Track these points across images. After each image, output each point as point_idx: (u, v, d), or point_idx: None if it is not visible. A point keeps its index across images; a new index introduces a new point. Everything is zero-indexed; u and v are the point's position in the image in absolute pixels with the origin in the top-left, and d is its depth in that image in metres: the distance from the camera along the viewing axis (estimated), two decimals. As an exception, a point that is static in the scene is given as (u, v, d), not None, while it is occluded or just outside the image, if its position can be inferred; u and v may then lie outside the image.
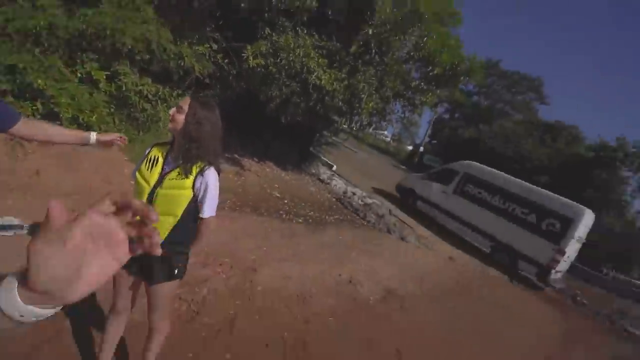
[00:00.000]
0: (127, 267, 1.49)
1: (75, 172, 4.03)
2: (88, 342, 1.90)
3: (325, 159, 11.03)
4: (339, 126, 7.65)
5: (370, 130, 8.70)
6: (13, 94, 4.37)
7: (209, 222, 1.51)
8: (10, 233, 2.50)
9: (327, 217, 6.57)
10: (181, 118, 1.40)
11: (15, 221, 2.58)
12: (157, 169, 1.45)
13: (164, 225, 1.43)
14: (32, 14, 4.66)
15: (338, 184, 9.23)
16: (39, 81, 4.25)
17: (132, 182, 1.55)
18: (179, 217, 1.45)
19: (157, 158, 1.48)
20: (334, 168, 10.89)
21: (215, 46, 5.82)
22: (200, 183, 1.43)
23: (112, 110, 5.38)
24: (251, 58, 5.81)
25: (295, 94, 6.48)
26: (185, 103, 1.42)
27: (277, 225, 4.98)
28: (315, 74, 5.83)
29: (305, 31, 6.11)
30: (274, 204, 5.95)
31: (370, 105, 6.16)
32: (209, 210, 1.48)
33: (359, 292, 3.80)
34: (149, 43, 5.43)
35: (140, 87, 5.45)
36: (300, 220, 5.67)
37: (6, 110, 1.24)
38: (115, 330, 1.60)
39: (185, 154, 1.41)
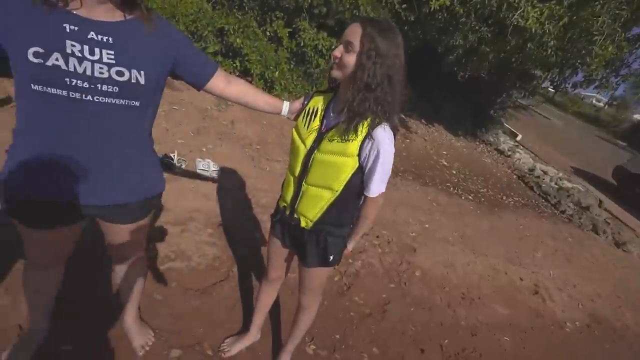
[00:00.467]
0: (281, 238, 1.32)
1: (258, 125, 4.47)
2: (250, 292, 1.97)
3: (508, 125, 8.98)
4: (540, 84, 5.79)
5: (584, 89, 6.23)
6: (222, 53, 5.16)
7: (376, 201, 1.12)
8: (207, 174, 2.91)
9: (504, 197, 5.32)
10: (351, 59, 0.99)
11: (211, 165, 2.99)
12: (315, 125, 1.12)
13: (319, 201, 1.13)
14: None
15: (523, 157, 7.37)
16: (238, 40, 4.80)
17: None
18: (338, 193, 1.10)
19: (317, 110, 1.15)
20: (519, 138, 8.76)
21: (394, -13, 5.15)
22: (370, 148, 1.02)
23: (292, 66, 5.71)
24: (434, -1, 4.86)
25: (485, 42, 5.17)
26: (355, 35, 0.98)
27: (443, 199, 4.29)
28: (520, 10, 4.37)
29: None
30: (441, 174, 5.20)
31: (609, 50, 4.18)
32: (378, 185, 1.07)
33: (548, 309, 2.82)
34: (327, -5, 5.30)
35: (316, 42, 5.50)
36: (471, 197, 4.75)
37: (205, 62, 1.12)
38: (267, 298, 1.52)
39: (356, 106, 1.00)
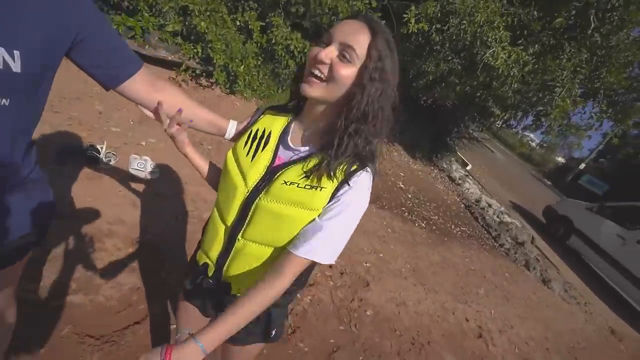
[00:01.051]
0: (201, 305, 0.96)
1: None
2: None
3: (460, 154, 9.43)
4: (496, 121, 6.09)
5: (521, 129, 6.70)
6: (182, 34, 4.61)
7: (300, 265, 0.73)
8: (142, 176, 2.44)
9: (452, 226, 5.44)
10: (348, 73, 0.69)
11: (149, 165, 2.52)
12: (265, 156, 0.79)
13: (258, 258, 0.80)
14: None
15: (471, 188, 7.73)
16: (202, 24, 4.31)
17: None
18: (285, 249, 0.77)
19: (268, 134, 0.82)
20: (469, 167, 9.23)
21: (375, 3, 5.03)
22: (340, 197, 0.72)
23: (259, 62, 5.31)
24: (413, 21, 4.83)
25: (455, 73, 5.27)
26: (360, 40, 0.68)
27: (398, 225, 4.21)
28: (491, 50, 4.49)
29: (491, -8, 4.71)
30: (397, 197, 5.15)
31: (567, 102, 4.46)
32: (325, 249, 0.72)
33: (491, 355, 2.80)
34: (306, -6, 5.03)
35: (289, 42, 5.18)
36: (424, 225, 4.75)
37: (122, 54, 0.76)
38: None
39: (346, 141, 0.70)
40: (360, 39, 0.68)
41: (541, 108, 5.01)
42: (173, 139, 0.89)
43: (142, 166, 2.47)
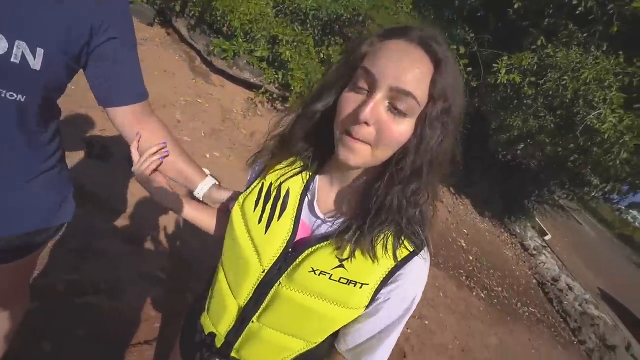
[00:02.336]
0: None
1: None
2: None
3: (539, 221, 8.29)
4: (593, 192, 5.20)
5: (625, 206, 5.51)
6: (268, 60, 4.92)
7: None
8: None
9: (519, 305, 4.64)
10: (404, 131, 0.48)
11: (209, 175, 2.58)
12: (284, 227, 0.59)
13: (281, 352, 0.64)
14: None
15: (548, 262, 6.64)
16: (287, 52, 4.54)
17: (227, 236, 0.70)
18: (317, 344, 0.62)
19: (286, 193, 0.61)
20: (548, 237, 8.02)
21: (463, 49, 4.82)
22: (389, 299, 0.55)
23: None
24: (503, 71, 4.48)
25: (546, 132, 4.68)
26: (419, 79, 0.46)
27: (452, 290, 3.70)
28: (598, 111, 3.89)
29: (604, 48, 4.17)
30: (456, 257, 4.60)
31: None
32: (383, 356, 0.60)
33: None
34: (393, 33, 5.05)
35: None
36: (483, 295, 4.12)
37: (129, 77, 0.72)
38: None
39: (385, 207, 0.51)
40: (418, 76, 0.46)
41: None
42: (144, 184, 0.77)
43: (199, 178, 2.54)
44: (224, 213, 0.79)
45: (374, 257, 0.53)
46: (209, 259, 2.06)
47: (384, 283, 0.54)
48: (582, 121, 3.97)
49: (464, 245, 5.11)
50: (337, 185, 0.59)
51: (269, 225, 0.59)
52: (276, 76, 4.80)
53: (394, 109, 0.47)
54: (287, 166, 0.63)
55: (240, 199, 0.65)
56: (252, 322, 0.63)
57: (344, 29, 5.51)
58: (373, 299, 0.55)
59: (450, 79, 0.47)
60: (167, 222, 2.10)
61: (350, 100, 0.49)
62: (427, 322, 2.82)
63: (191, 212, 0.79)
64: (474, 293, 4.03)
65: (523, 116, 4.53)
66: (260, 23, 4.60)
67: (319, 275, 0.54)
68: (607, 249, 13.98)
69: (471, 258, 4.92)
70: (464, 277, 4.23)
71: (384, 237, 0.53)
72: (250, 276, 0.61)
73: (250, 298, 0.62)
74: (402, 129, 0.48)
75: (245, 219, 0.62)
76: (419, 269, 0.55)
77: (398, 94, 0.46)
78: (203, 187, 0.80)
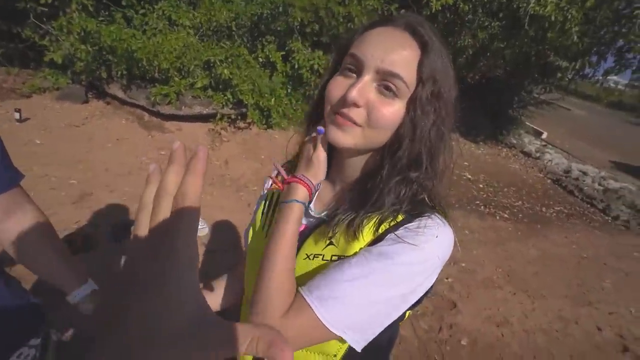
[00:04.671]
0: None
1: (255, 162, 4.03)
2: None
3: (530, 124, 8.27)
4: (565, 76, 5.16)
5: (601, 75, 5.49)
6: (211, 87, 4.82)
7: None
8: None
9: (544, 209, 4.62)
10: (394, 111, 0.48)
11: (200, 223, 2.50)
12: None
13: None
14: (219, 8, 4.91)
15: (554, 158, 6.64)
16: (225, 71, 4.44)
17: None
18: (339, 357, 0.55)
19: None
20: (544, 135, 8.02)
21: (388, -5, 4.73)
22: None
23: (289, 90, 5.33)
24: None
25: (497, 38, 4.63)
26: (406, 61, 0.46)
27: (475, 223, 3.66)
28: (537, -2, 3.83)
29: None
30: (467, 190, 4.57)
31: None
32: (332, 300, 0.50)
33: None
34: (316, 11, 4.94)
35: (312, 62, 5.10)
36: (507, 215, 4.10)
37: None
38: None
39: (375, 198, 0.52)
40: (405, 58, 0.46)
41: (622, 43, 4.10)
42: None
43: (189, 226, 2.47)
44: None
45: (359, 232, 0.51)
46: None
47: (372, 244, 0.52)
48: (525, 13, 3.91)
49: (470, 176, 5.08)
50: (334, 185, 0.60)
51: (268, 225, 0.63)
52: (225, 98, 4.70)
53: (383, 90, 0.47)
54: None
55: (256, 216, 0.68)
56: None
57: (270, 25, 5.40)
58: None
59: (439, 62, 0.47)
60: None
61: (338, 83, 0.49)
62: (463, 264, 2.79)
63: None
64: (497, 217, 4.01)
65: (470, 33, 4.47)
66: (188, 54, 4.49)
67: (314, 258, 0.55)
68: (603, 121, 14.06)
69: (481, 186, 4.89)
70: (482, 206, 4.20)
71: (376, 217, 0.52)
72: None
73: None
74: (392, 110, 0.47)
75: (255, 230, 0.67)
76: (431, 225, 0.53)
77: (385, 75, 0.46)
78: (79, 294, 0.74)
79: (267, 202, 0.67)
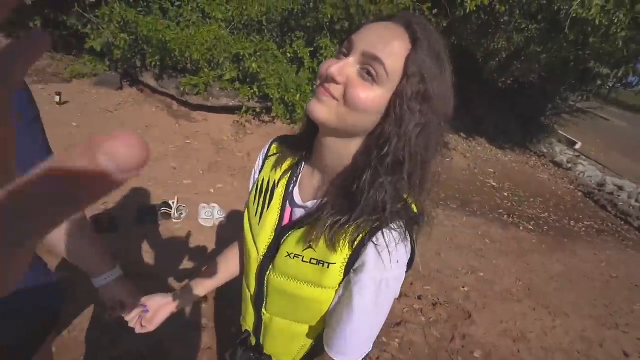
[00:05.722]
0: None
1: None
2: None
3: (563, 133, 7.88)
4: (606, 83, 4.88)
5: None
6: (239, 79, 4.90)
7: None
8: (210, 224, 2.49)
9: (572, 223, 4.41)
10: (372, 96, 0.47)
11: (216, 211, 2.57)
12: (271, 216, 0.63)
13: (295, 339, 0.68)
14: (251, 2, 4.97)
15: (587, 170, 6.30)
16: (253, 65, 4.50)
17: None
18: (322, 327, 0.64)
19: (273, 185, 0.64)
20: (578, 146, 7.62)
21: (421, -6, 4.62)
22: (356, 277, 0.55)
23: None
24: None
25: (534, 41, 4.43)
26: (394, 52, 0.46)
27: (497, 232, 3.55)
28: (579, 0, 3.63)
29: None
30: (490, 198, 4.43)
31: None
32: (357, 343, 0.58)
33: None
34: (347, 8, 4.91)
35: (339, 60, 5.08)
36: (531, 227, 3.94)
37: (31, 147, 0.63)
38: None
39: (365, 199, 0.51)
40: (393, 47, 0.46)
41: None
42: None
43: (209, 214, 2.54)
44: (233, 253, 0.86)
45: (337, 244, 0.53)
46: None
47: (350, 265, 0.54)
48: (566, 16, 3.72)
49: (494, 184, 4.92)
50: (318, 173, 0.60)
51: (262, 215, 0.64)
52: (252, 91, 4.77)
53: (364, 74, 0.47)
54: (279, 160, 0.66)
55: (248, 199, 0.71)
56: (263, 313, 0.69)
57: (300, 21, 5.41)
58: (344, 279, 0.56)
59: (430, 62, 0.47)
60: (193, 271, 2.10)
61: (328, 63, 0.50)
62: (481, 274, 2.71)
63: (211, 286, 0.85)
64: (521, 227, 3.86)
65: (505, 35, 4.30)
66: (219, 47, 4.58)
67: (293, 258, 0.57)
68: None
69: (506, 194, 4.72)
70: (506, 216, 4.06)
71: (351, 230, 0.53)
72: (252, 266, 0.67)
73: (255, 288, 0.68)
74: (369, 95, 0.47)
75: (249, 214, 0.69)
76: (383, 252, 0.52)
77: (368, 59, 0.47)
78: (107, 277, 0.77)
79: (258, 188, 0.68)
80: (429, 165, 0.53)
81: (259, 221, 0.65)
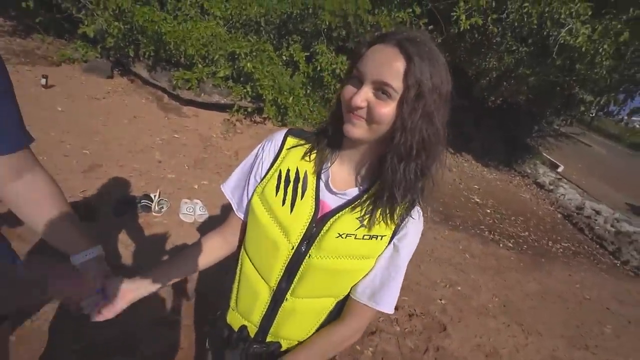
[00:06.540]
0: None
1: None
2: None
3: (547, 155, 8.11)
4: (589, 110, 5.05)
5: (626, 115, 5.39)
6: (232, 78, 4.87)
7: (374, 316, 0.80)
8: (190, 220, 2.45)
9: (550, 243, 4.51)
10: (388, 111, 0.60)
11: (198, 208, 2.53)
12: (307, 206, 0.69)
13: (316, 315, 0.77)
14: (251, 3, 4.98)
15: (568, 193, 6.49)
16: (248, 65, 4.49)
17: (238, 216, 0.82)
18: (339, 299, 0.76)
19: (304, 176, 0.70)
20: (560, 169, 7.85)
21: (418, 10, 4.72)
22: (399, 243, 0.69)
23: (308, 91, 5.35)
24: (463, 18, 4.36)
25: (523, 63, 4.57)
26: (395, 74, 0.58)
27: (477, 248, 3.60)
28: (569, 27, 3.77)
29: (557, -35, 4.04)
30: (473, 214, 4.50)
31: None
32: (396, 295, 0.72)
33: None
34: (345, 16, 4.96)
35: (334, 66, 5.11)
36: (510, 244, 4.01)
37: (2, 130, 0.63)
38: None
39: (399, 182, 0.63)
40: (394, 69, 0.58)
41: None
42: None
43: (190, 210, 2.49)
44: (221, 237, 0.86)
45: (392, 222, 0.66)
46: (221, 281, 2.01)
47: (395, 234, 0.68)
48: (555, 42, 3.85)
49: (478, 200, 5.00)
50: (349, 164, 0.70)
51: (294, 205, 0.69)
52: (245, 90, 4.74)
53: (379, 94, 0.59)
54: (306, 152, 0.72)
55: (259, 189, 0.73)
56: (286, 299, 0.73)
57: (298, 25, 5.44)
58: (387, 247, 0.69)
59: (420, 68, 0.57)
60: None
61: (349, 90, 0.62)
62: (459, 288, 2.73)
63: (180, 274, 0.82)
64: (501, 245, 3.93)
65: (496, 55, 4.42)
66: (215, 44, 4.55)
67: (345, 237, 0.66)
68: (623, 162, 13.66)
69: (488, 211, 4.80)
70: (487, 232, 4.13)
71: (399, 208, 0.66)
72: (280, 256, 0.70)
73: (282, 277, 0.72)
74: (387, 109, 0.59)
75: (268, 204, 0.71)
76: (417, 219, 0.69)
77: (379, 85, 0.59)
78: (82, 257, 0.74)
79: (283, 179, 0.71)
80: (440, 145, 0.63)
81: (291, 211, 0.68)
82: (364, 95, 0.60)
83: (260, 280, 0.75)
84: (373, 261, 0.70)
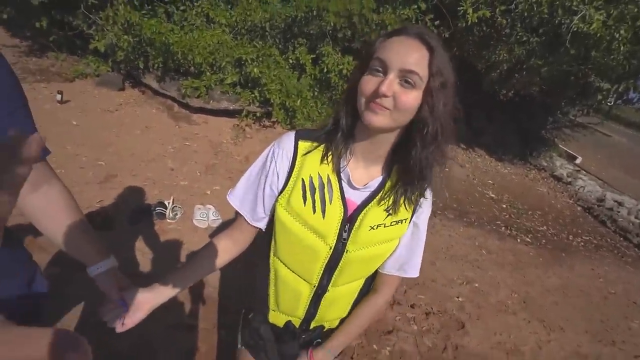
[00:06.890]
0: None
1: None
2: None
3: (563, 147, 7.88)
4: (606, 98, 4.89)
5: None
6: (240, 84, 4.93)
7: (400, 281, 0.87)
8: (204, 226, 2.48)
9: (570, 237, 4.38)
10: (413, 99, 0.62)
11: (211, 213, 2.56)
12: (337, 208, 0.72)
13: (351, 294, 0.86)
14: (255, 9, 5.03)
15: (587, 185, 6.28)
16: (255, 70, 4.53)
17: (254, 225, 0.82)
18: (366, 278, 0.85)
19: (327, 179, 0.72)
20: (578, 160, 7.61)
21: (424, 6, 4.67)
22: (418, 220, 0.78)
23: (315, 93, 5.36)
24: (471, 11, 4.30)
25: (535, 54, 4.46)
26: (420, 62, 0.61)
27: (494, 244, 3.52)
28: (582, 13, 3.66)
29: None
30: (488, 209, 4.41)
31: None
32: (417, 264, 0.82)
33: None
34: (350, 17, 4.96)
35: (341, 67, 5.11)
36: (529, 239, 3.91)
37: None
38: None
39: (424, 167, 0.67)
40: (419, 59, 0.61)
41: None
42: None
43: (204, 216, 2.52)
44: (230, 240, 0.86)
45: (412, 204, 0.73)
46: (235, 286, 2.02)
47: (413, 214, 0.75)
48: (567, 30, 3.75)
49: (493, 195, 4.90)
50: (366, 157, 0.73)
51: (324, 210, 0.72)
52: (253, 95, 4.79)
53: (404, 83, 0.61)
54: (323, 156, 0.73)
55: (282, 200, 0.75)
56: (328, 290, 0.80)
57: (302, 28, 5.46)
58: (408, 226, 0.76)
59: (443, 61, 0.62)
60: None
61: (370, 81, 0.63)
62: (476, 285, 2.68)
63: (194, 278, 0.85)
64: (518, 240, 3.83)
65: (506, 48, 4.33)
66: (221, 51, 4.61)
67: (377, 228, 0.72)
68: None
69: (504, 206, 4.70)
70: (503, 227, 4.03)
71: (420, 187, 0.72)
72: (319, 258, 0.75)
73: (322, 274, 0.77)
74: (412, 97, 0.62)
75: (296, 214, 0.74)
76: (429, 201, 0.77)
77: (406, 73, 0.61)
78: (102, 267, 0.76)
79: (307, 188, 0.72)
80: (451, 130, 0.68)
81: (323, 216, 0.72)
82: (391, 85, 0.61)
83: (301, 281, 0.80)
84: (397, 241, 0.77)
